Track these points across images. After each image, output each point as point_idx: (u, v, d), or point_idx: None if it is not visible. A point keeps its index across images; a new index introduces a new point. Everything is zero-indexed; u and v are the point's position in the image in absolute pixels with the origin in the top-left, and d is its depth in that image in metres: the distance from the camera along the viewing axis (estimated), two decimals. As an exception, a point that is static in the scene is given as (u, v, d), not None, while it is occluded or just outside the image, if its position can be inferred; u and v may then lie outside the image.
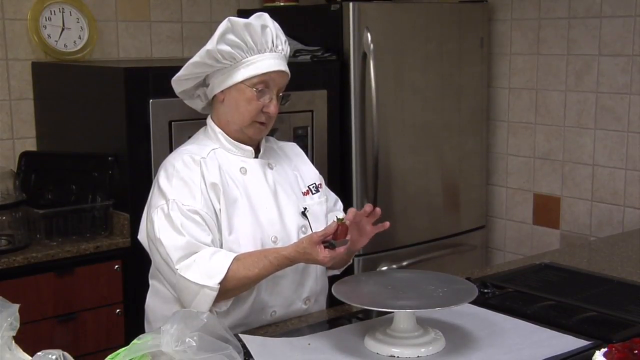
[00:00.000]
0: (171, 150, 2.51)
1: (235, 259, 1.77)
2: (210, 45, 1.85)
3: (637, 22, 3.11)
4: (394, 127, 3.17)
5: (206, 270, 1.74)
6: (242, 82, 1.86)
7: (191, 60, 1.90)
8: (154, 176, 2.50)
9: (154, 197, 1.87)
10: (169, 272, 1.79)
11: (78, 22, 3.06)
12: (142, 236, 1.93)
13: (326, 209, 2.02)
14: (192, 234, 1.78)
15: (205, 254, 1.76)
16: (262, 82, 1.87)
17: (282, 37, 1.91)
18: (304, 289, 1.94)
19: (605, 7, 3.19)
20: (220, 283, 1.74)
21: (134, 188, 2.57)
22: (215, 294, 1.74)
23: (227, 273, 1.74)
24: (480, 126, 3.57)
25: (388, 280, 1.75)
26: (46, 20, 2.99)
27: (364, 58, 3.01)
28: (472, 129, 3.51)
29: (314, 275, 1.95)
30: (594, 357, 1.38)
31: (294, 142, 2.23)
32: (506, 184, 3.65)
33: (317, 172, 2.08)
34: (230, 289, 1.77)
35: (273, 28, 1.89)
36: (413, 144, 3.25)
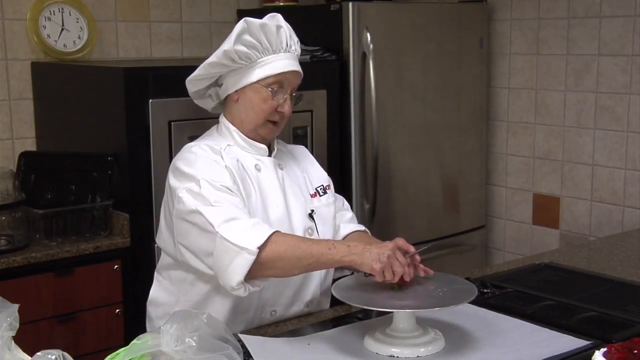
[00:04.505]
0: (171, 150, 2.52)
1: (284, 233, 1.75)
2: (227, 45, 1.85)
3: (637, 22, 3.11)
4: (393, 127, 3.17)
5: (248, 233, 1.69)
6: (257, 82, 1.87)
7: (208, 61, 1.90)
8: (154, 176, 2.53)
9: (176, 181, 1.82)
10: (207, 240, 1.73)
11: (77, 22, 3.06)
12: (162, 239, 1.92)
13: (334, 210, 2.02)
14: (230, 202, 1.75)
15: (247, 221, 1.73)
16: (277, 82, 1.87)
17: (295, 37, 1.93)
18: (306, 293, 1.94)
19: (604, 7, 3.19)
20: (260, 248, 1.68)
21: (134, 188, 2.57)
22: (252, 258, 1.67)
23: (269, 240, 1.69)
24: (480, 126, 3.57)
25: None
26: (45, 20, 2.99)
27: (364, 58, 3.01)
28: (472, 128, 3.51)
29: (318, 279, 1.95)
30: (593, 357, 1.38)
31: (293, 142, 2.23)
32: (506, 184, 3.65)
33: (325, 174, 2.08)
34: (275, 261, 1.71)
35: (287, 28, 1.90)
36: (413, 144, 3.25)
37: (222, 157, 1.85)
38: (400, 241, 1.74)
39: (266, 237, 1.70)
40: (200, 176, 1.79)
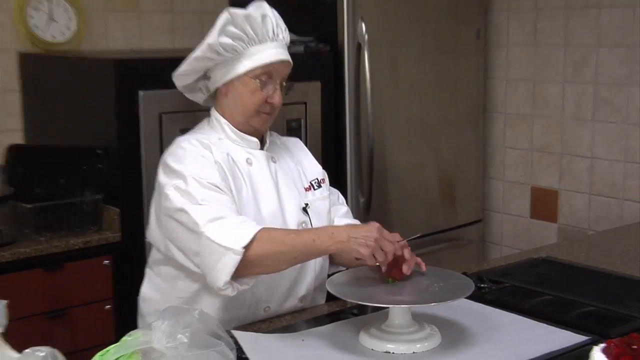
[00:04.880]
0: (162, 143, 2.52)
1: (270, 229, 1.75)
2: (211, 38, 1.84)
3: (637, 13, 3.11)
4: (389, 119, 3.17)
5: (233, 233, 1.70)
6: (244, 74, 1.86)
7: (192, 55, 1.90)
8: (144, 169, 2.53)
9: (165, 177, 1.83)
10: (193, 240, 1.74)
11: (66, 12, 3.05)
12: (152, 235, 1.92)
13: (329, 205, 2.02)
14: (217, 201, 1.76)
15: (233, 220, 1.73)
16: (265, 73, 1.87)
17: (282, 25, 1.91)
18: (300, 288, 1.94)
19: (604, -3, 3.20)
20: (245, 248, 1.69)
21: (124, 182, 2.56)
22: (238, 258, 1.68)
23: (256, 238, 1.70)
24: (477, 118, 3.57)
25: (383, 275, 1.75)
26: (33, 10, 2.97)
27: (359, 49, 3.01)
28: (469, 121, 3.52)
29: (312, 274, 1.95)
30: (591, 353, 1.38)
31: (286, 134, 2.23)
32: (503, 177, 3.66)
33: (319, 167, 2.08)
34: (261, 259, 1.72)
35: (273, 17, 1.88)
36: (409, 137, 3.25)
37: (211, 152, 1.85)
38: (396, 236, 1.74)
39: (252, 235, 1.70)
40: (188, 173, 1.79)
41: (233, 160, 1.88)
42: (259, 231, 1.72)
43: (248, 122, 1.91)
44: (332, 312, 1.91)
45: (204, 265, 1.74)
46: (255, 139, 1.94)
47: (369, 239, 1.67)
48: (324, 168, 2.10)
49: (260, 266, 1.74)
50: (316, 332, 1.74)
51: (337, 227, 1.84)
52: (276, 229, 1.81)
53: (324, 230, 1.78)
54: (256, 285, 1.83)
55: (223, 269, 1.69)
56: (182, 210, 1.76)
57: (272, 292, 1.89)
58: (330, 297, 1.84)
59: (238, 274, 1.71)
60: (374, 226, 1.71)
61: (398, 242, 1.70)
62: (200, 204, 1.74)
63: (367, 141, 3.05)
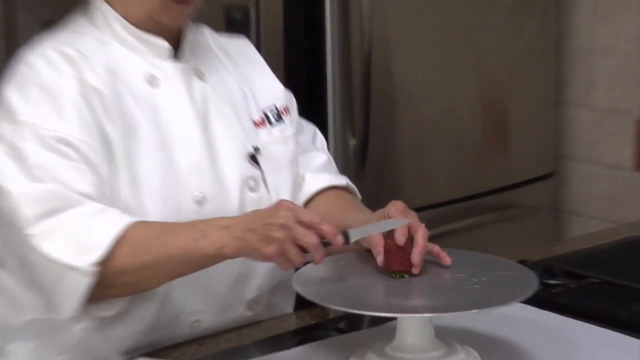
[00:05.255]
0: (11, 47, 2.51)
1: (134, 225, 1.76)
2: None
3: None
4: (397, 6, 3.17)
5: (78, 239, 1.72)
6: None
7: None
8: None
9: None
10: (17, 241, 1.78)
11: None
12: None
13: (295, 150, 2.05)
14: (60, 177, 1.76)
15: (81, 212, 1.75)
16: None
17: None
18: (249, 287, 1.97)
19: None
20: (100, 264, 1.71)
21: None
22: (88, 281, 1.71)
23: (113, 247, 1.72)
24: (546, 3, 3.59)
25: (385, 267, 1.78)
26: None
27: None
28: (531, 8, 3.53)
29: (267, 264, 1.96)
30: None
31: (225, 32, 2.23)
32: (589, 103, 3.68)
33: (281, 87, 2.12)
34: (118, 277, 1.76)
35: None
36: (430, 37, 3.26)
37: (79, 72, 1.84)
38: (395, 205, 1.77)
39: (109, 242, 1.72)
40: (26, 117, 1.80)
41: (123, 81, 1.89)
42: (126, 230, 1.74)
43: (152, 17, 1.92)
44: (304, 326, 1.95)
45: (36, 283, 1.78)
46: (164, 43, 1.94)
47: (272, 230, 1.66)
48: (288, 87, 2.11)
49: (121, 286, 1.77)
50: (278, 359, 1.77)
51: (244, 215, 1.82)
52: (146, 223, 1.80)
53: (215, 223, 1.77)
54: (174, 288, 1.85)
55: (66, 298, 1.72)
56: (3, 189, 1.76)
57: (202, 296, 1.91)
58: (300, 303, 1.87)
59: (94, 297, 1.73)
60: (280, 207, 1.70)
61: (318, 224, 1.68)
62: (33, 180, 1.75)
63: (361, 43, 3.06)
